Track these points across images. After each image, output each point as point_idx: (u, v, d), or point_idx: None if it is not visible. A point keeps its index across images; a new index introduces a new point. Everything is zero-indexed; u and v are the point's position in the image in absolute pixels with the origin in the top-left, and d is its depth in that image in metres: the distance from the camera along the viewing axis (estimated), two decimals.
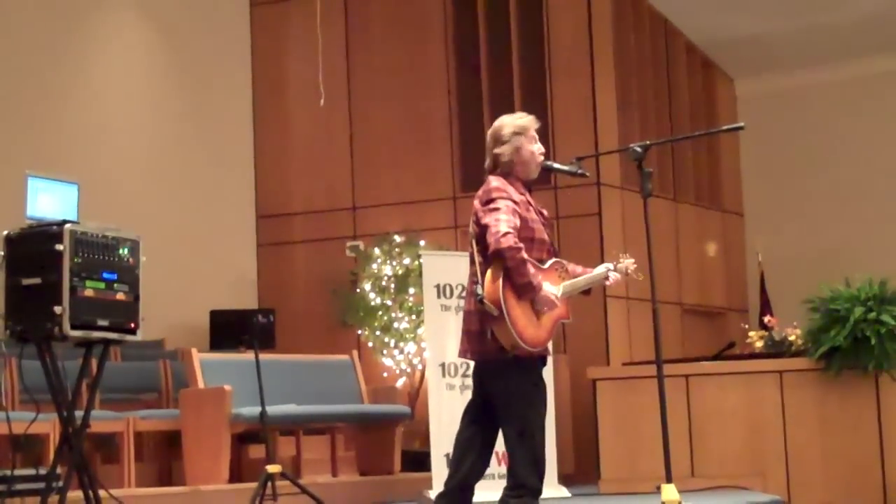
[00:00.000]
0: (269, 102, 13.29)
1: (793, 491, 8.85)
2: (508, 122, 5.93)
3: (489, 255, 5.68)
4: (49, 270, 5.98)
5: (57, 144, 10.92)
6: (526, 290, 5.65)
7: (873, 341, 8.64)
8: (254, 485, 7.81)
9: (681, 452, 8.74)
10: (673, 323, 12.33)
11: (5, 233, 6.17)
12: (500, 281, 5.62)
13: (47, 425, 7.58)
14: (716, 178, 13.79)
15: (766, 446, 8.97)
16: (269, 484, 7.70)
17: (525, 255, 5.66)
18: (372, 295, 11.74)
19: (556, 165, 6.15)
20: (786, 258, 13.00)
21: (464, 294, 8.59)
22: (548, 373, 9.18)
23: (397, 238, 11.90)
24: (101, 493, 6.32)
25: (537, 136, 5.97)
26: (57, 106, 11.24)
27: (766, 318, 10.36)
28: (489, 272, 5.68)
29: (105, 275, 6.15)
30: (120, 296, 6.23)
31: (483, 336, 5.77)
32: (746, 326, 10.47)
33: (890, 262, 10.65)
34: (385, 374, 11.72)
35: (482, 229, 5.74)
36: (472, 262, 5.86)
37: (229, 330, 8.38)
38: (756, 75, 13.77)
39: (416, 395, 11.38)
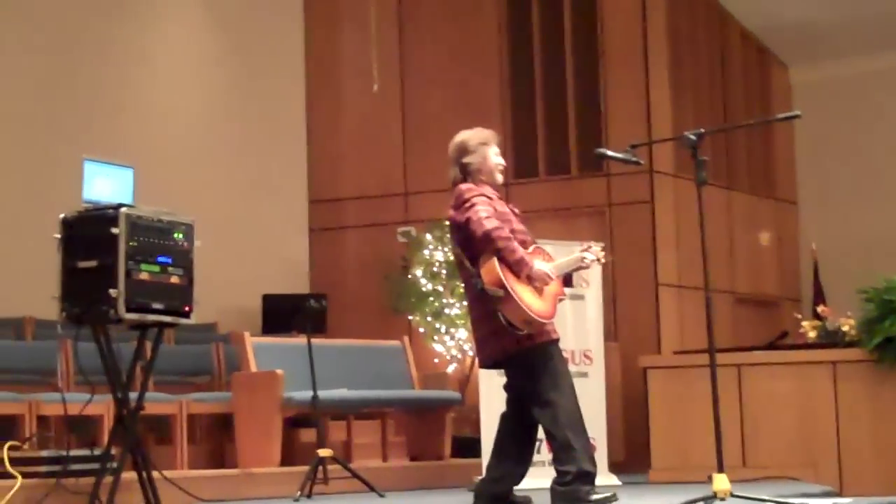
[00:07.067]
0: (321, 87, 13.31)
1: (844, 482, 8.78)
2: (473, 135, 6.18)
3: (478, 244, 5.81)
4: (105, 253, 6.02)
5: (112, 129, 11.00)
6: (520, 266, 5.79)
7: None
8: (305, 468, 7.84)
9: (732, 442, 8.69)
10: (725, 311, 12.24)
11: (62, 216, 6.23)
12: (495, 262, 5.75)
13: (102, 407, 7.66)
14: (770, 166, 13.68)
15: (818, 437, 8.91)
16: (321, 468, 7.74)
17: (510, 234, 5.82)
18: (423, 281, 11.75)
19: (610, 153, 6.14)
20: (840, 247, 12.88)
21: None
22: (598, 361, 9.23)
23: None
24: (155, 474, 6.38)
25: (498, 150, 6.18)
26: (112, 90, 11.33)
27: (820, 308, 10.25)
28: (482, 262, 5.81)
29: (160, 258, 6.19)
30: (174, 279, 6.27)
31: (494, 335, 5.87)
32: (799, 316, 10.37)
33: None
34: (436, 360, 11.73)
35: (465, 230, 5.89)
36: (461, 270, 6.03)
37: (282, 314, 8.41)
38: (811, 62, 13.63)
39: (466, 381, 11.37)
